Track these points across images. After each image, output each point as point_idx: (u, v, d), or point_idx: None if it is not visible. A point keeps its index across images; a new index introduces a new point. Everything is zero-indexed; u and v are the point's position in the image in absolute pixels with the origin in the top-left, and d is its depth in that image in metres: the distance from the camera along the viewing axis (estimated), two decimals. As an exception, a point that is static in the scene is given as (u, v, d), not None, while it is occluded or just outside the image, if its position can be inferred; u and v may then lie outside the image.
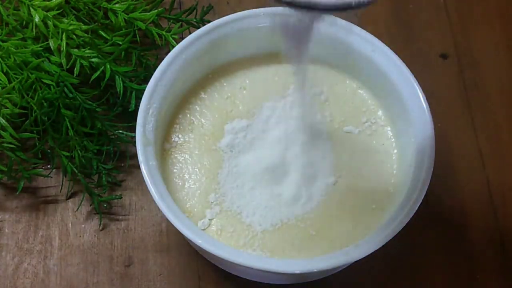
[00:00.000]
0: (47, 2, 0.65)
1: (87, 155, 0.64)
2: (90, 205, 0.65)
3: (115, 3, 0.68)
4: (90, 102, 0.65)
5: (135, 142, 0.55)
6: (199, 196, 0.58)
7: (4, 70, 0.63)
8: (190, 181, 0.59)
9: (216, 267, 0.62)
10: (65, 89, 0.64)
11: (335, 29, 0.60)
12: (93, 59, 0.65)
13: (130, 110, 0.66)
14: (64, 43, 0.64)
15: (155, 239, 0.64)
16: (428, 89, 0.59)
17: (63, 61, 0.64)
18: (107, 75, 0.65)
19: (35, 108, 0.62)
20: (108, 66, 0.65)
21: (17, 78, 0.63)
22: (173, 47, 0.60)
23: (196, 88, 0.63)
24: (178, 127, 0.61)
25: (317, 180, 0.58)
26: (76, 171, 0.64)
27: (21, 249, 0.64)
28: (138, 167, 0.55)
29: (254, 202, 0.57)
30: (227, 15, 0.61)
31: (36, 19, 0.65)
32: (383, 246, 0.52)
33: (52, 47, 0.65)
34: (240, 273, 0.61)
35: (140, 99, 0.57)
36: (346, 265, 0.60)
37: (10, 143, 0.62)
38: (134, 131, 0.56)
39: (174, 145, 0.61)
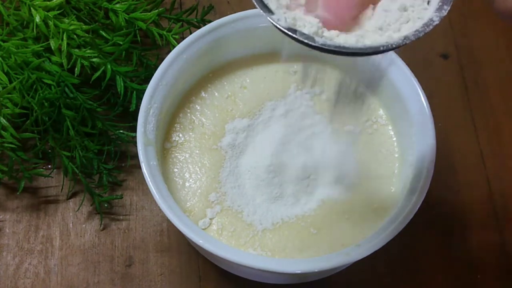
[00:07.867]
0: (48, 2, 0.65)
1: (88, 155, 0.64)
2: (91, 205, 0.65)
3: (116, 3, 0.68)
4: (91, 102, 0.65)
5: (135, 142, 0.55)
6: (200, 195, 0.58)
7: (5, 70, 0.63)
8: (190, 180, 0.59)
9: (216, 267, 0.62)
10: (66, 89, 0.64)
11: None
12: (94, 59, 0.65)
13: (130, 110, 0.66)
14: (65, 43, 0.64)
15: (155, 239, 0.64)
16: (428, 88, 0.59)
17: (64, 61, 0.64)
18: (108, 75, 0.65)
19: (36, 108, 0.62)
20: (109, 66, 0.65)
21: (18, 78, 0.63)
22: (174, 47, 0.60)
23: (196, 87, 0.63)
24: (178, 126, 0.61)
25: (318, 179, 0.58)
26: (77, 171, 0.64)
27: (22, 249, 0.64)
28: (139, 167, 0.55)
29: (255, 201, 0.57)
30: (227, 15, 0.61)
31: (37, 19, 0.65)
32: (383, 246, 0.52)
33: (52, 47, 0.65)
34: (241, 273, 0.61)
35: (141, 99, 0.57)
36: (347, 265, 0.59)
37: (11, 143, 0.62)
38: (135, 131, 0.56)
39: (174, 144, 0.61)
